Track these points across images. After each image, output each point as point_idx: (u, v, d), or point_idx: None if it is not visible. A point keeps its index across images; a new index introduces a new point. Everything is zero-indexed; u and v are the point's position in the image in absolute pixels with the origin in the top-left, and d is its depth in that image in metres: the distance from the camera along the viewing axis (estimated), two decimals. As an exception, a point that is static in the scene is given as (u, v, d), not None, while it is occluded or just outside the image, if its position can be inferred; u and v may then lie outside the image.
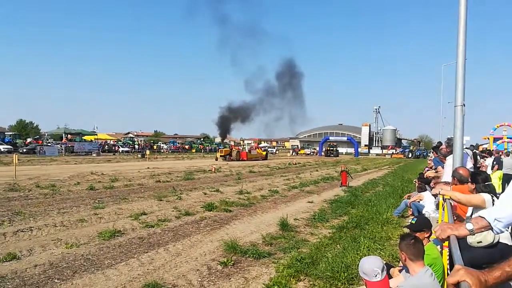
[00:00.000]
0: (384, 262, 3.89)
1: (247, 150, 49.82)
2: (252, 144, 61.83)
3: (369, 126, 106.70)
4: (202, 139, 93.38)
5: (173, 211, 10.35)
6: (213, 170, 25.18)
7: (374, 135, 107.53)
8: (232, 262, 5.96)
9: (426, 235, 3.91)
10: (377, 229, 8.20)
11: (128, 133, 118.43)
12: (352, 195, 14.01)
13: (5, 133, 61.75)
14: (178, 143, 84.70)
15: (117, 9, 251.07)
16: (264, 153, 52.26)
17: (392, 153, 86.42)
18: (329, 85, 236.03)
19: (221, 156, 45.55)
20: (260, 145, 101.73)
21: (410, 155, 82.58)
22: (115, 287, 4.89)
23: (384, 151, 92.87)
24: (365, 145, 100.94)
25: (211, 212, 10.42)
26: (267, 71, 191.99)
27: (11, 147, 49.36)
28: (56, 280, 5.04)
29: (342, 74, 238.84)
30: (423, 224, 4.03)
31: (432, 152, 13.41)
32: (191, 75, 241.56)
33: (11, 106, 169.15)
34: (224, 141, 71.39)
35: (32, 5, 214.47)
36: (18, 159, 19.23)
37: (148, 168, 26.24)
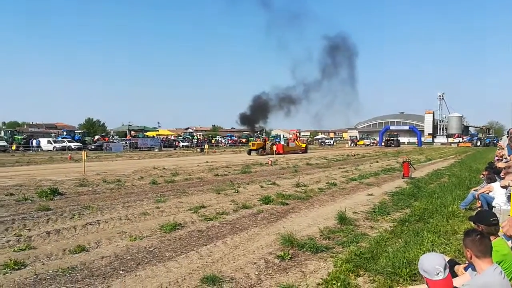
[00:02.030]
0: (449, 258, 3.67)
1: (283, 143, 44.24)
2: (291, 136, 58.18)
3: (433, 114, 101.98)
4: (258, 132, 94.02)
5: (230, 204, 10.50)
6: (269, 163, 25.27)
7: (438, 123, 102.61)
8: (289, 255, 5.92)
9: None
10: (442, 222, 7.79)
11: (188, 128, 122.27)
12: (415, 187, 13.43)
13: (75, 131, 66.37)
14: (235, 137, 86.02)
15: (174, 11, 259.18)
16: (304, 145, 48.40)
17: (459, 142, 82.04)
18: (389, 72, 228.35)
19: (253, 150, 39.84)
20: (317, 137, 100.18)
21: (478, 144, 77.98)
22: (175, 279, 5.03)
23: (450, 139, 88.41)
24: (429, 134, 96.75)
25: (268, 205, 10.44)
26: (317, 57, 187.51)
27: (80, 144, 53.07)
28: (121, 272, 5.29)
29: (403, 60, 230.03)
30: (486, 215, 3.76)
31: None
32: (247, 70, 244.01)
33: (81, 106, 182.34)
34: (261, 131, 66.65)
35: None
36: (86, 156, 20.49)
37: (207, 162, 26.92)
